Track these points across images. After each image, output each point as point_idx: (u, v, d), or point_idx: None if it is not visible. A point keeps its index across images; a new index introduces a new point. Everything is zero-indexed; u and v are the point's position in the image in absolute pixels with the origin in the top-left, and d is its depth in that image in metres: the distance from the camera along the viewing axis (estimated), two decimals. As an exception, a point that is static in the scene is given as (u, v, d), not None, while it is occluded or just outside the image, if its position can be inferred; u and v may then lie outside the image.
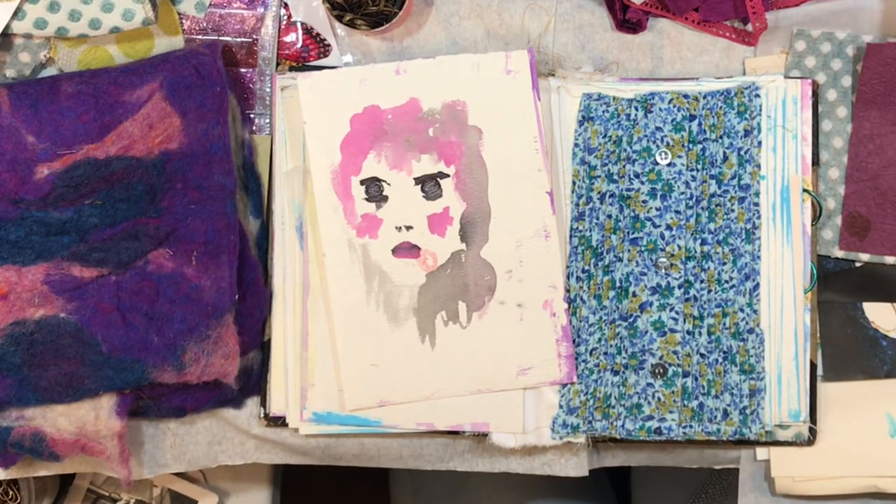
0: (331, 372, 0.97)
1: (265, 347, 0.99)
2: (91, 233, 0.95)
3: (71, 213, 0.94)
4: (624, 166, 0.97)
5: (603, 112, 0.98)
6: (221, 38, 1.01)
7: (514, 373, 0.96)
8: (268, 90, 1.00)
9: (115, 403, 0.94)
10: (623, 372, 0.96)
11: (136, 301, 0.94)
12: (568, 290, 0.97)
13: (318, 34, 1.01)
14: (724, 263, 0.96)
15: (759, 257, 0.96)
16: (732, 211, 0.96)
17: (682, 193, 0.97)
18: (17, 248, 0.94)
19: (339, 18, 0.98)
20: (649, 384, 0.96)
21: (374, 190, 0.96)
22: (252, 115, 1.00)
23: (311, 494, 1.68)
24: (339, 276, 0.96)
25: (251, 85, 1.01)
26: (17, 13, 0.96)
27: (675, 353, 0.96)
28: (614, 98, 0.98)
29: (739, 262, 0.96)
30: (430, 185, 0.96)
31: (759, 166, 0.97)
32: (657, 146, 0.97)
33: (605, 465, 1.01)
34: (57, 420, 0.94)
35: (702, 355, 0.96)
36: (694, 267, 0.96)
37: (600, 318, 0.97)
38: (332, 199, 0.96)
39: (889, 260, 0.98)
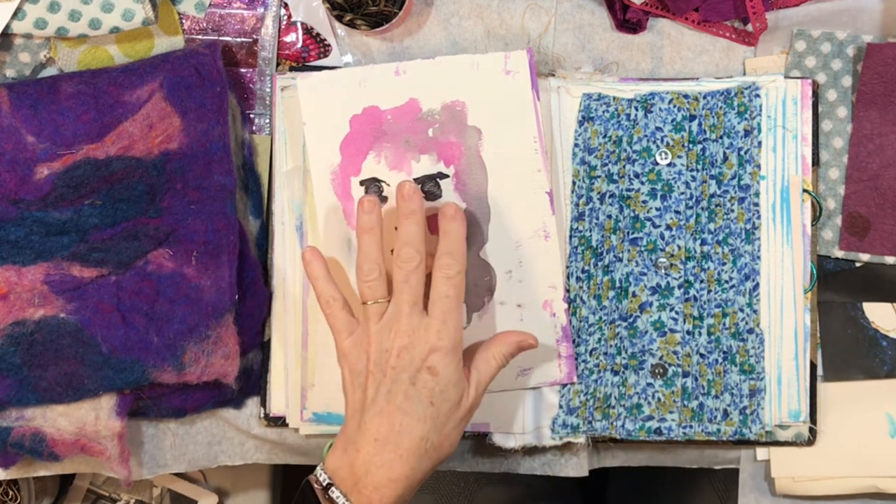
0: (331, 372, 0.97)
1: (265, 347, 0.99)
2: (91, 233, 0.95)
3: (71, 213, 0.94)
4: (624, 166, 0.97)
5: (603, 112, 0.98)
6: (221, 38, 1.01)
7: (514, 373, 0.96)
8: (268, 90, 1.00)
9: (115, 403, 0.94)
10: (623, 372, 0.96)
11: (136, 301, 0.94)
12: (568, 291, 0.97)
13: (318, 34, 1.01)
14: (724, 263, 0.96)
15: (758, 257, 0.96)
16: (732, 211, 0.96)
17: (682, 193, 0.97)
18: (17, 248, 0.94)
19: (339, 18, 0.98)
20: (649, 384, 0.96)
21: (374, 190, 0.96)
22: (252, 115, 1.00)
23: (311, 494, 1.67)
24: (339, 277, 0.96)
25: (251, 85, 1.01)
26: (17, 13, 0.96)
27: (675, 353, 0.96)
28: (614, 98, 0.98)
29: (739, 263, 0.96)
30: (429, 185, 0.96)
31: (759, 166, 0.97)
32: (657, 146, 0.97)
33: (605, 465, 1.01)
34: (57, 420, 0.94)
35: (702, 355, 0.96)
36: (694, 267, 0.96)
37: (600, 318, 0.96)
38: (332, 199, 0.96)
39: (889, 260, 0.98)
